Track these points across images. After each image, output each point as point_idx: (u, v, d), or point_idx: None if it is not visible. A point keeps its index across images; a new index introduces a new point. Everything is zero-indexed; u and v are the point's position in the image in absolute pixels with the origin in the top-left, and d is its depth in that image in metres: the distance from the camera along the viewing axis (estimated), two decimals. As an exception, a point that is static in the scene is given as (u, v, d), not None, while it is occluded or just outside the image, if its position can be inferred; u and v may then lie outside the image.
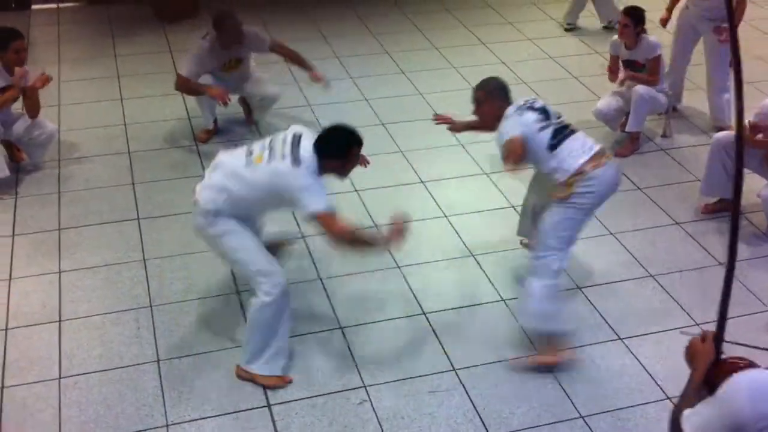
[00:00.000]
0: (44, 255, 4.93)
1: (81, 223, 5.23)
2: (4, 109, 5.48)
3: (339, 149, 3.74)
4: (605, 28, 8.49)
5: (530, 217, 4.60)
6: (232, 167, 3.84)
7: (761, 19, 8.65)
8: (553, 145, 4.03)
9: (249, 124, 6.51)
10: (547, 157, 4.05)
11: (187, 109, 6.61)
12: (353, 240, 3.75)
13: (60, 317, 4.42)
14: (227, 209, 3.81)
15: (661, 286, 4.76)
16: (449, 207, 5.45)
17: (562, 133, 4.09)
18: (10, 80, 5.44)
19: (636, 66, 6.10)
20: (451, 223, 5.28)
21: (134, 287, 4.67)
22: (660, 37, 6.17)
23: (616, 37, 6.23)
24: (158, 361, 4.13)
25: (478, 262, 4.93)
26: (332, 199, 3.70)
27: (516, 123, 4.05)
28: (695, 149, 6.18)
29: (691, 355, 2.52)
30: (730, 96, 6.31)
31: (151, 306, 4.52)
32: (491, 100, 4.20)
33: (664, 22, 6.72)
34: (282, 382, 4.02)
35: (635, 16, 5.98)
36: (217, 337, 4.31)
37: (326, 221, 3.63)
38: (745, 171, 5.25)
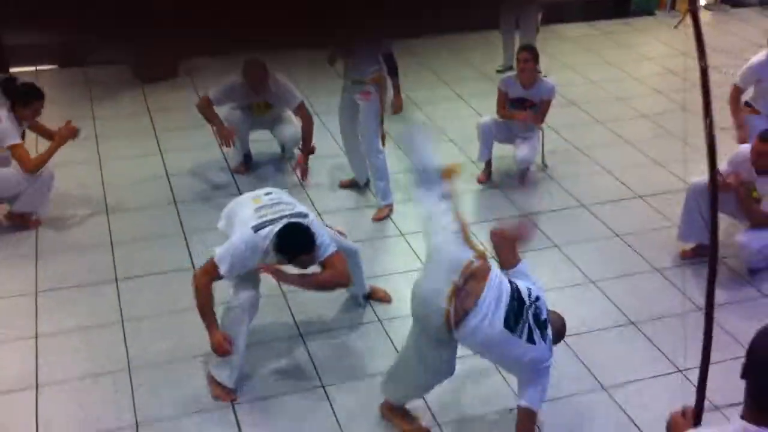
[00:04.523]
0: (21, 318, 4.86)
1: (58, 286, 5.18)
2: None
3: (288, 250, 4.03)
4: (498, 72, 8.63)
5: None
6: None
7: (733, 66, 8.78)
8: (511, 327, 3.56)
9: (283, 159, 6.79)
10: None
11: (165, 168, 6.62)
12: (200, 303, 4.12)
13: (37, 382, 4.34)
14: None
15: (643, 334, 4.76)
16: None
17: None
18: (21, 132, 5.68)
19: (528, 105, 6.31)
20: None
21: (112, 349, 4.60)
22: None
23: (510, 74, 6.45)
24: (137, 424, 4.06)
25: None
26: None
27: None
28: (672, 195, 6.22)
29: (672, 430, 2.51)
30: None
31: (129, 368, 4.46)
32: None
33: None
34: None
35: (534, 52, 6.22)
36: (196, 400, 4.24)
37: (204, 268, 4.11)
38: (722, 215, 5.33)
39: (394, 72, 5.67)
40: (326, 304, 4.92)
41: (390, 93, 6.22)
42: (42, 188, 5.72)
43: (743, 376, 2.14)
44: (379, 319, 4.85)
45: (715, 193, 2.43)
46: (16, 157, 5.60)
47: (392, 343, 4.63)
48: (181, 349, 4.60)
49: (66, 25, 0.69)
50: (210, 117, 6.18)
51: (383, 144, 5.90)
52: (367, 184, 6.27)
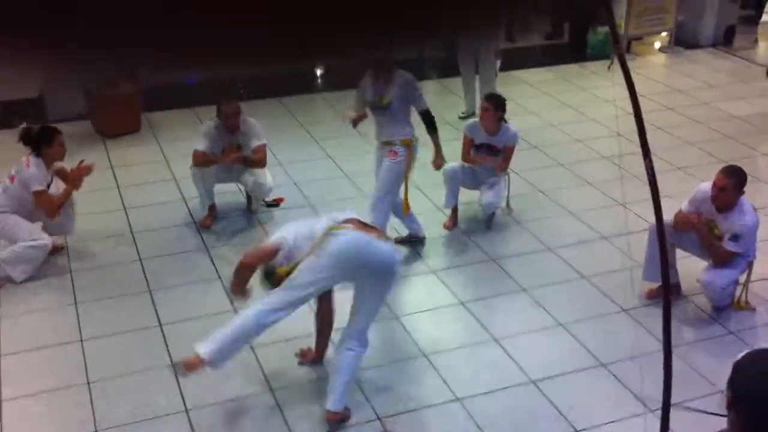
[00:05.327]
0: (-17, 384, 4.76)
1: (22, 349, 5.08)
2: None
3: None
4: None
5: None
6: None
7: (689, 106, 8.98)
8: None
9: (249, 211, 6.80)
10: None
11: (129, 224, 6.56)
12: None
13: (0, 449, 4.25)
14: None
15: (614, 375, 4.78)
16: (399, 307, 5.44)
17: None
18: (48, 179, 5.79)
19: (492, 150, 6.39)
20: (402, 324, 5.26)
21: (79, 411, 4.51)
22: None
23: (474, 120, 6.54)
24: (105, 488, 3.98)
25: (430, 362, 4.90)
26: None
27: None
28: (635, 235, 6.29)
29: None
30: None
31: (95, 430, 4.37)
32: None
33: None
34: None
35: (495, 101, 6.33)
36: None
37: None
38: (685, 254, 5.41)
39: (432, 129, 5.77)
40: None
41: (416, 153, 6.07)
42: (39, 254, 5.79)
43: (729, 407, 2.14)
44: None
45: (662, 232, 2.48)
46: (39, 203, 5.75)
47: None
48: (149, 409, 4.52)
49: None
50: (213, 161, 6.30)
51: (406, 211, 6.02)
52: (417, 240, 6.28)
